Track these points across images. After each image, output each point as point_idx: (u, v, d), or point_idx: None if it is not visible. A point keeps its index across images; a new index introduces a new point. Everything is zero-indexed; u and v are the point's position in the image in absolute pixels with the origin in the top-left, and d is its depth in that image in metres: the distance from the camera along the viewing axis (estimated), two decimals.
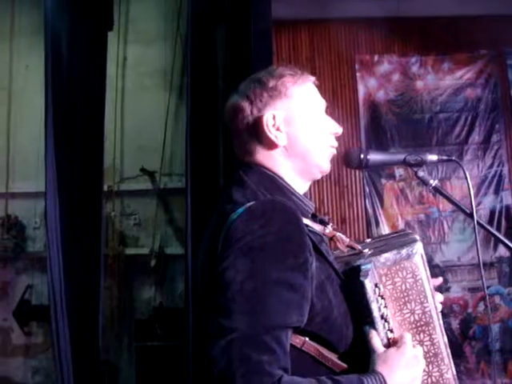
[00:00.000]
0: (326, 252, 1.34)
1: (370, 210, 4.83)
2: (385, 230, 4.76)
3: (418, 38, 4.99)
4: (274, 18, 4.00)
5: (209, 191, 3.98)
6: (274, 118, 1.39)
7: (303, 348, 1.26)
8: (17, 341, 5.07)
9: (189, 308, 3.76)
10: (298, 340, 1.25)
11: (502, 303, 4.74)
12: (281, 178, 1.39)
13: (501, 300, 4.74)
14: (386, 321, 1.32)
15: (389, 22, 4.88)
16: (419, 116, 4.95)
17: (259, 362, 1.12)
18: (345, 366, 1.28)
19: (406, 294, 1.34)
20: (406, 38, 5.00)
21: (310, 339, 1.26)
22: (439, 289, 1.52)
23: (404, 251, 1.34)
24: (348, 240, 1.42)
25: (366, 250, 1.40)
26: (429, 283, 1.35)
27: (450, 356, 1.38)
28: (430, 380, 1.36)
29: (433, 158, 1.59)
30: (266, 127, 1.39)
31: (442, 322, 1.38)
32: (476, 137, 4.91)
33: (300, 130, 1.41)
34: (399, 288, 1.34)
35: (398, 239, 1.47)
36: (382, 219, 4.82)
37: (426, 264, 1.35)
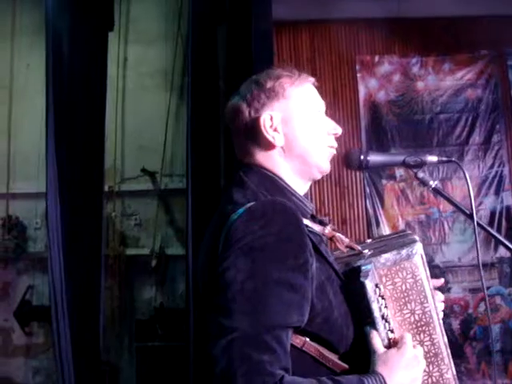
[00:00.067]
0: (326, 253, 1.35)
1: (371, 211, 4.83)
2: (385, 230, 4.75)
3: (418, 39, 4.99)
4: (274, 19, 4.01)
5: (209, 192, 3.98)
6: (271, 118, 1.40)
7: (304, 348, 1.26)
8: (18, 341, 5.07)
9: (189, 308, 3.76)
10: (298, 340, 1.25)
11: (502, 304, 4.74)
12: (280, 179, 1.40)
13: (501, 300, 4.74)
14: (386, 321, 1.32)
15: (389, 23, 4.88)
16: (420, 117, 4.95)
17: (260, 361, 1.12)
18: (345, 366, 1.29)
19: (406, 295, 1.34)
20: (407, 38, 5.00)
21: (311, 340, 1.27)
22: (440, 289, 1.53)
23: (404, 252, 1.34)
24: (347, 240, 1.43)
25: (366, 251, 1.41)
26: (429, 283, 1.35)
27: (450, 356, 1.38)
28: (430, 380, 1.36)
29: (432, 159, 1.59)
30: (263, 128, 1.40)
31: (442, 322, 1.38)
32: (476, 137, 4.91)
33: (297, 131, 1.41)
34: (399, 288, 1.34)
35: (398, 240, 1.47)
36: (383, 220, 4.82)
37: (426, 264, 1.35)
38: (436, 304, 1.37)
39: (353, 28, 5.01)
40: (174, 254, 5.02)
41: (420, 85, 5.00)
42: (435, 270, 4.56)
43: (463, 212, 1.59)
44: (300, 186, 1.44)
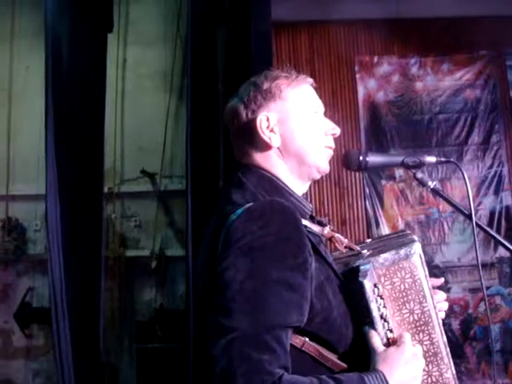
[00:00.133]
0: (325, 253, 1.35)
1: (371, 211, 4.83)
2: (385, 230, 4.75)
3: (417, 39, 4.99)
4: (273, 20, 4.02)
5: (209, 193, 3.99)
6: (267, 119, 1.41)
7: (303, 348, 1.26)
8: (18, 343, 5.07)
9: (190, 309, 3.76)
10: (297, 340, 1.26)
11: (502, 304, 4.74)
12: (279, 180, 1.41)
13: (501, 300, 4.74)
14: (385, 321, 1.32)
15: (388, 24, 4.88)
16: (419, 117, 4.96)
17: (259, 361, 1.12)
18: (345, 366, 1.29)
19: (404, 294, 1.34)
20: (406, 39, 5.00)
21: (310, 339, 1.27)
22: (440, 289, 1.53)
23: (402, 251, 1.35)
24: (346, 241, 1.44)
25: (365, 251, 1.41)
26: (427, 283, 1.36)
27: (450, 355, 1.38)
28: (429, 379, 1.37)
29: (431, 159, 1.59)
30: (259, 129, 1.40)
31: (441, 321, 1.38)
32: (475, 137, 4.92)
33: (294, 131, 1.42)
34: (398, 288, 1.34)
35: (397, 240, 1.48)
36: (383, 220, 4.82)
37: (425, 264, 1.36)
38: (435, 303, 1.38)
39: (352, 29, 5.02)
40: (174, 255, 5.02)
41: (419, 85, 5.00)
42: (435, 270, 4.56)
43: (462, 212, 1.59)
44: (298, 186, 1.45)
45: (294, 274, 1.21)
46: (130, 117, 5.17)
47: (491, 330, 4.85)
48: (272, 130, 1.41)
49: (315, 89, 1.51)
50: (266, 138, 1.41)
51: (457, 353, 4.53)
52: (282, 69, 1.49)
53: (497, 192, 4.86)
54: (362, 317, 1.32)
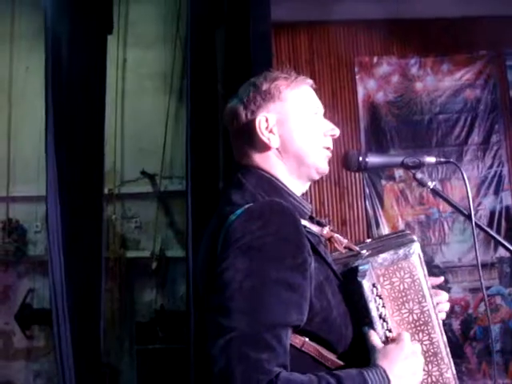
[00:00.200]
0: (324, 253, 1.36)
1: (371, 212, 4.83)
2: (385, 231, 4.75)
3: (417, 40, 4.99)
4: (273, 21, 4.01)
5: (209, 194, 3.99)
6: (266, 120, 1.41)
7: (303, 348, 1.27)
8: (18, 344, 5.07)
9: (190, 310, 3.76)
10: (297, 340, 1.26)
11: (503, 304, 4.74)
12: (278, 180, 1.41)
13: (502, 300, 4.74)
14: (384, 320, 1.33)
15: (388, 24, 4.88)
16: (419, 117, 4.96)
17: (258, 360, 1.13)
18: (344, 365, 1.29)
19: (404, 294, 1.35)
20: (405, 39, 5.00)
21: (310, 339, 1.28)
22: (440, 288, 1.53)
23: (401, 251, 1.35)
24: (346, 241, 1.44)
25: (364, 251, 1.42)
26: (427, 283, 1.36)
27: (450, 355, 1.38)
28: (429, 379, 1.37)
29: (431, 160, 1.59)
30: (258, 129, 1.41)
31: (441, 321, 1.39)
32: (475, 137, 4.92)
33: (293, 132, 1.42)
34: (397, 288, 1.35)
35: (396, 240, 1.48)
36: (383, 220, 4.82)
37: (424, 264, 1.36)
38: (434, 303, 1.38)
39: (351, 29, 5.02)
40: (175, 256, 5.02)
41: (419, 85, 5.00)
42: (435, 270, 4.56)
43: (461, 213, 1.59)
44: (298, 186, 1.45)
45: (294, 274, 1.21)
46: (130, 118, 5.17)
47: (491, 330, 4.84)
48: (271, 131, 1.41)
49: (315, 90, 1.51)
50: (265, 139, 1.41)
51: (457, 353, 4.53)
52: (281, 70, 1.49)
53: (497, 192, 4.86)
54: (361, 317, 1.33)
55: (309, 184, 1.49)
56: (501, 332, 4.68)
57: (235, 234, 1.22)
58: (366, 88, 4.97)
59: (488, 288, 4.72)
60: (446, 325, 4.36)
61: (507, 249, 1.59)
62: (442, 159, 1.63)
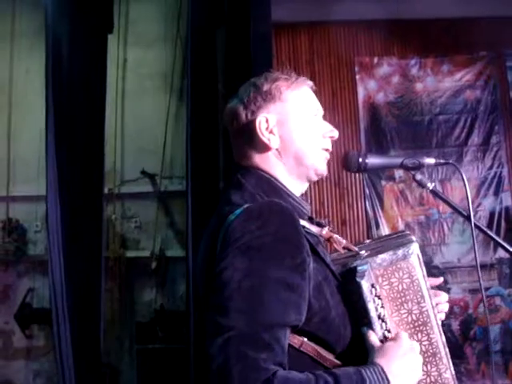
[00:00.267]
0: (323, 253, 1.36)
1: (370, 212, 4.83)
2: (385, 231, 4.75)
3: (417, 40, 4.99)
4: (273, 21, 4.02)
5: (209, 194, 3.99)
6: (266, 120, 1.42)
7: (301, 348, 1.27)
8: (18, 344, 5.07)
9: (190, 310, 3.77)
10: (296, 340, 1.26)
11: (502, 304, 4.74)
12: (277, 181, 1.42)
13: (501, 301, 4.74)
14: (383, 321, 1.33)
15: (388, 24, 4.88)
16: (419, 118, 4.96)
17: (256, 359, 1.13)
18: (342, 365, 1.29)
19: (402, 295, 1.35)
20: (406, 40, 5.00)
21: (308, 339, 1.28)
22: (440, 289, 1.53)
23: (400, 252, 1.35)
24: (345, 242, 1.44)
25: (363, 252, 1.42)
26: (425, 283, 1.36)
27: (449, 355, 1.38)
28: (428, 379, 1.37)
29: (430, 161, 1.59)
30: (258, 130, 1.41)
31: (440, 321, 1.39)
32: (475, 138, 4.92)
33: (292, 133, 1.43)
34: (396, 288, 1.35)
35: (396, 240, 1.48)
36: (382, 221, 4.82)
37: (423, 264, 1.36)
38: (433, 304, 1.38)
39: (352, 30, 5.02)
40: (174, 256, 5.02)
41: (419, 86, 5.00)
42: (434, 271, 4.56)
43: (461, 214, 1.59)
44: (297, 187, 1.45)
45: (292, 274, 1.21)
46: (130, 118, 5.17)
47: (490, 331, 4.84)
48: (271, 132, 1.42)
49: (315, 90, 1.51)
50: (264, 140, 1.41)
51: (456, 353, 4.53)
52: (281, 70, 1.49)
53: (496, 193, 4.86)
54: (359, 317, 1.33)
55: (307, 185, 1.49)
56: (501, 332, 4.68)
57: (234, 234, 1.22)
58: (366, 88, 4.97)
59: (487, 289, 4.72)
60: (446, 325, 4.36)
61: (506, 250, 1.59)
62: (442, 160, 1.64)
